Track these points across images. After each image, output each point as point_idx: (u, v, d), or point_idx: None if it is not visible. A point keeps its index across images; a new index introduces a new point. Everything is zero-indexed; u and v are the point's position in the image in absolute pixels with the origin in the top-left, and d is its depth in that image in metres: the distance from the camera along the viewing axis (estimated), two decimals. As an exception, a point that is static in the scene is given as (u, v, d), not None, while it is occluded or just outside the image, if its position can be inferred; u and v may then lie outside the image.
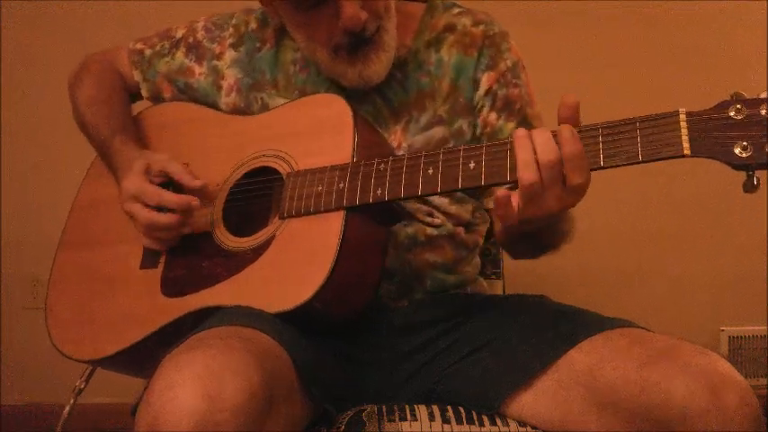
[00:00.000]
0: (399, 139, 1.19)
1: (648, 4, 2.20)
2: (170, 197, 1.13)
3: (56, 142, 2.15)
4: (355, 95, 1.18)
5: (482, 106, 1.21)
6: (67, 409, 1.38)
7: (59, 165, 1.90)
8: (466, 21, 1.24)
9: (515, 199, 0.91)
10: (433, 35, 1.23)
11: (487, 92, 1.21)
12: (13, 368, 2.25)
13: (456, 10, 1.26)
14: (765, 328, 2.25)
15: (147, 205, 1.13)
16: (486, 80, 1.21)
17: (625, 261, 2.25)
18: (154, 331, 1.12)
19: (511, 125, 1.20)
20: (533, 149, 0.89)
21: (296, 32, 1.19)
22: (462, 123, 1.21)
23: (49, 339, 1.22)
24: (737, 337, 2.28)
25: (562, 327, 1.03)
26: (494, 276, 1.45)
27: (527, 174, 0.88)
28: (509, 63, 1.22)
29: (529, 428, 1.01)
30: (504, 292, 1.49)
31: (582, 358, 0.97)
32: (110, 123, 1.27)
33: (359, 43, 1.12)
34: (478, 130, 1.21)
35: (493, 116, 1.21)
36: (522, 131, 0.91)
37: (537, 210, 0.90)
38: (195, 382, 0.79)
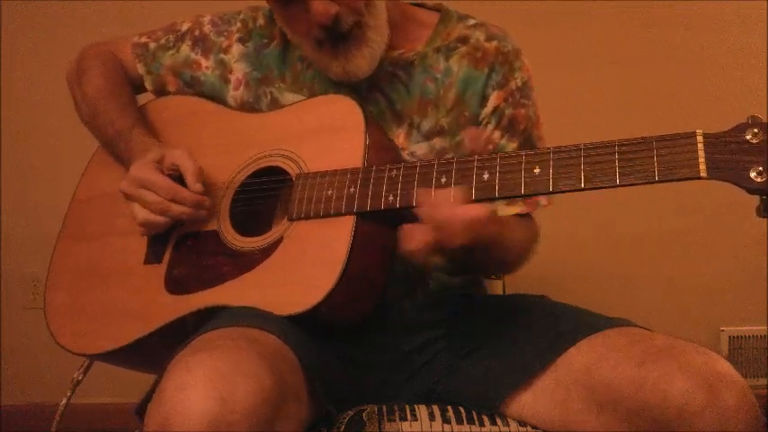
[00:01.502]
0: (402, 143, 1.18)
1: (648, 4, 2.19)
2: (184, 194, 1.12)
3: (56, 142, 2.15)
4: (359, 95, 1.17)
5: (487, 123, 1.20)
6: (65, 401, 1.35)
7: (59, 164, 1.90)
8: (479, 34, 1.22)
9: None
10: (445, 43, 1.22)
11: (495, 110, 1.19)
12: (13, 368, 2.24)
13: (470, 22, 1.25)
14: (765, 328, 2.25)
15: (157, 195, 1.12)
16: (494, 98, 1.19)
17: (625, 261, 2.24)
18: (157, 328, 1.11)
19: (513, 145, 1.19)
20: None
21: (283, 26, 1.19)
22: (464, 137, 1.20)
23: (48, 332, 1.21)
24: (737, 337, 2.28)
25: (562, 326, 1.03)
26: (494, 276, 1.45)
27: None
28: (519, 82, 1.21)
29: (529, 428, 1.02)
30: (504, 292, 1.49)
31: (580, 357, 0.97)
32: (126, 114, 1.26)
33: (337, 38, 1.11)
34: None
35: (497, 134, 1.20)
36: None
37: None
38: (207, 384, 0.79)
